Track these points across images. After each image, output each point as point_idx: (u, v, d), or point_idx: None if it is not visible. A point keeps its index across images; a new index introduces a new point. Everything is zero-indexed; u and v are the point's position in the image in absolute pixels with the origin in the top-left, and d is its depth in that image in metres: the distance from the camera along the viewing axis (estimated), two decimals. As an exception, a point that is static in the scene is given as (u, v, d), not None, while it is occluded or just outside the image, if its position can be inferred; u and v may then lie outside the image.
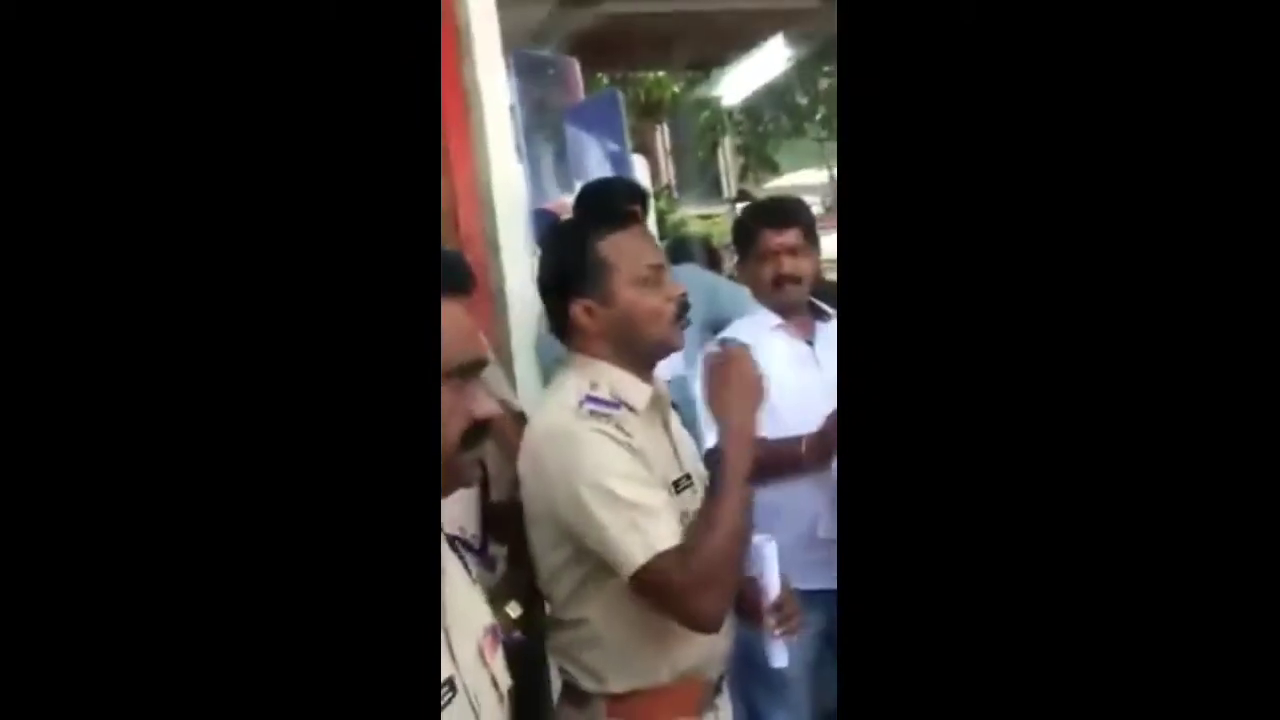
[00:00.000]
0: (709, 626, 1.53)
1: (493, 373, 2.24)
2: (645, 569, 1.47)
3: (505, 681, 1.19)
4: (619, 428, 1.55)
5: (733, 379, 1.57)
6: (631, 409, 1.61)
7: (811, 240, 2.47)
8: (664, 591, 1.49)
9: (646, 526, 1.47)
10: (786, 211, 2.51)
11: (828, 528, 2.25)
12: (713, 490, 1.54)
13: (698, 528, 1.49)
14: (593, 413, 1.55)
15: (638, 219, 1.76)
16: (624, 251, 1.62)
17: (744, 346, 1.69)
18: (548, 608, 1.67)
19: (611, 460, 1.51)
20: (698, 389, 2.34)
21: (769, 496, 2.32)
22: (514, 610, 1.67)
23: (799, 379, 2.37)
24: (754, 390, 1.60)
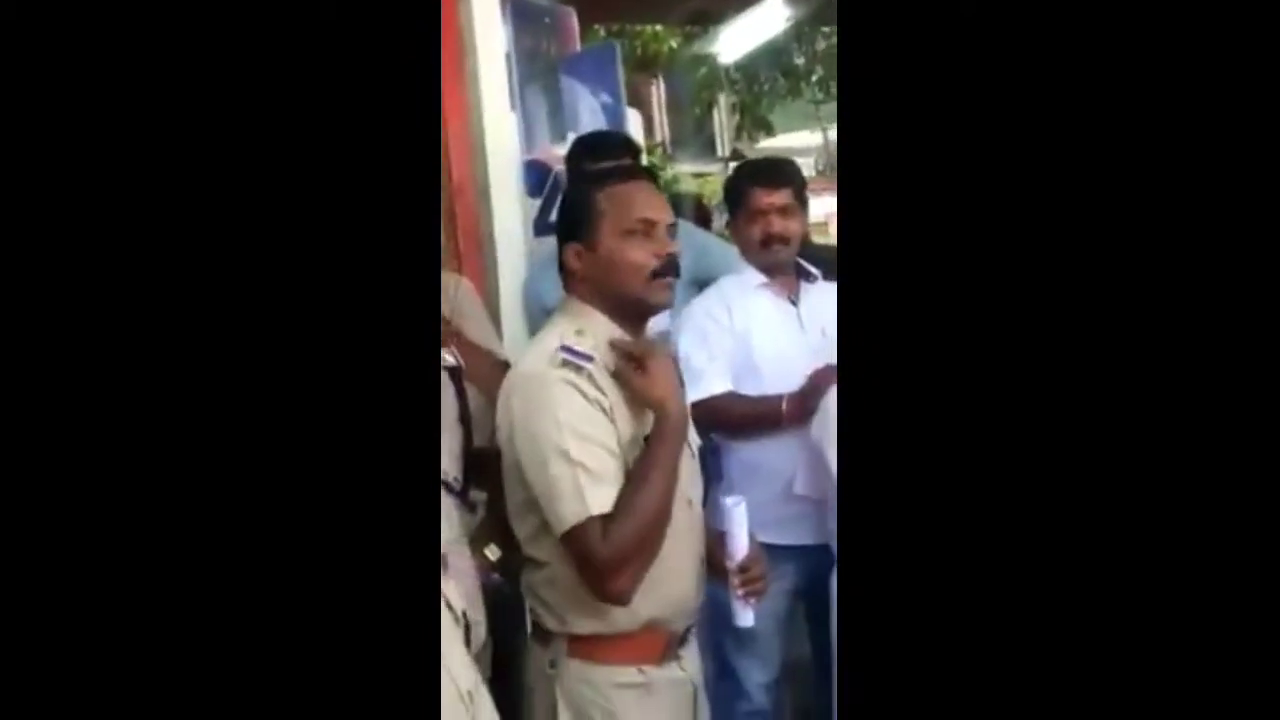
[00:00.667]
0: (615, 602, 1.57)
1: (479, 320, 2.26)
2: (573, 531, 1.52)
3: (459, 605, 1.22)
4: (591, 380, 1.57)
5: (654, 369, 1.59)
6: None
7: (801, 202, 2.48)
8: (583, 559, 1.53)
9: (586, 489, 1.51)
10: (778, 172, 2.52)
11: (804, 484, 2.28)
12: (639, 471, 1.56)
13: (620, 505, 1.52)
14: (565, 362, 1.57)
15: (646, 174, 1.77)
16: (618, 202, 1.64)
17: (660, 336, 1.70)
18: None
19: (572, 414, 1.54)
20: (680, 343, 2.37)
21: (748, 453, 2.37)
22: (492, 552, 1.70)
23: (782, 338, 2.39)
24: (677, 378, 1.63)
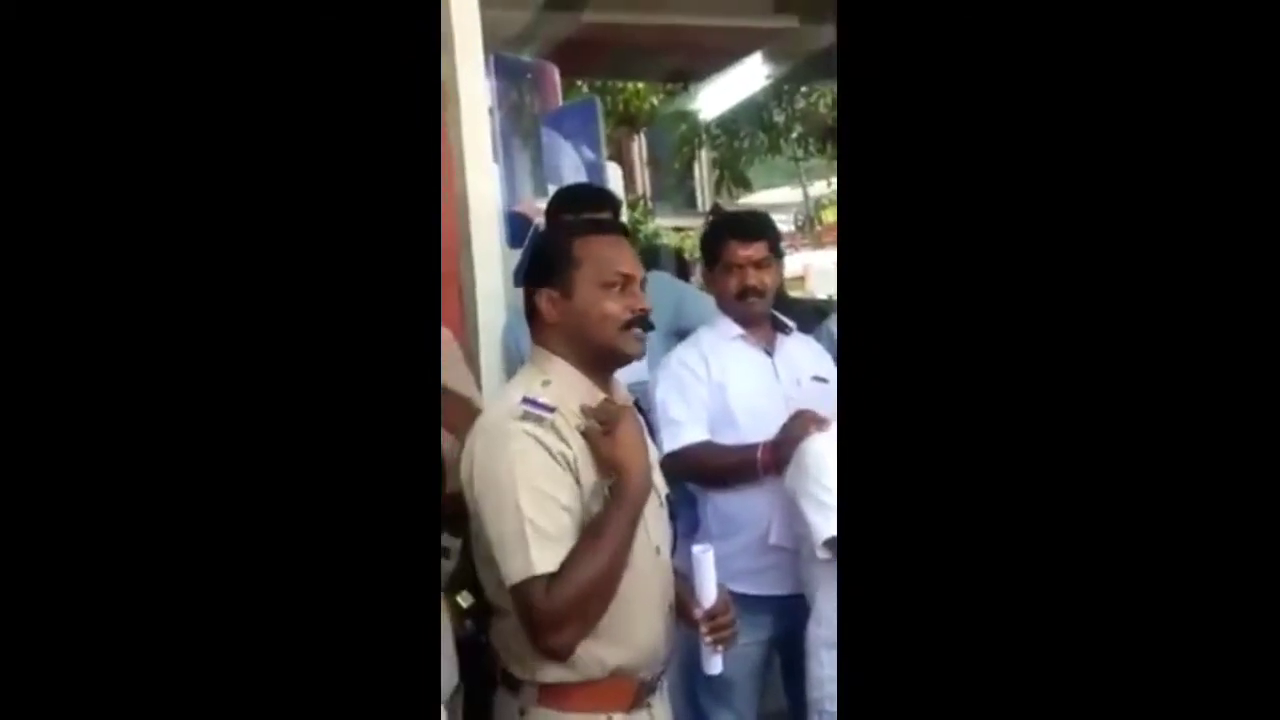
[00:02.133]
0: (553, 658, 1.58)
1: (458, 368, 2.28)
2: (517, 587, 1.53)
3: None
4: (554, 431, 1.58)
5: (621, 433, 1.60)
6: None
7: (776, 254, 2.52)
8: (525, 614, 1.55)
9: (533, 546, 1.52)
10: (754, 225, 2.55)
11: (779, 535, 2.29)
12: (593, 531, 1.56)
13: (567, 565, 1.53)
14: (526, 414, 1.58)
15: (623, 230, 1.81)
16: (596, 254, 1.67)
17: (628, 403, 1.72)
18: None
19: (528, 469, 1.55)
20: (658, 393, 2.39)
21: (724, 503, 2.38)
22: (465, 599, 1.70)
23: (758, 388, 2.42)
24: (644, 444, 1.64)
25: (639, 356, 1.74)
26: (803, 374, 2.41)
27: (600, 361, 1.69)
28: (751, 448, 2.31)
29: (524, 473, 1.55)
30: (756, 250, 2.44)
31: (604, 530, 1.56)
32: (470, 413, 1.99)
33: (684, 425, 2.36)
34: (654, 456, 1.83)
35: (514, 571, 1.53)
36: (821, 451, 2.02)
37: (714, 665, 1.77)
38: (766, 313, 2.50)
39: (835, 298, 3.32)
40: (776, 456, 2.25)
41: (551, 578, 1.52)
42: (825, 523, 1.95)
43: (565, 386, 1.65)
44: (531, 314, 1.72)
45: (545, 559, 1.52)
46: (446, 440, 1.86)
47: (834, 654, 1.90)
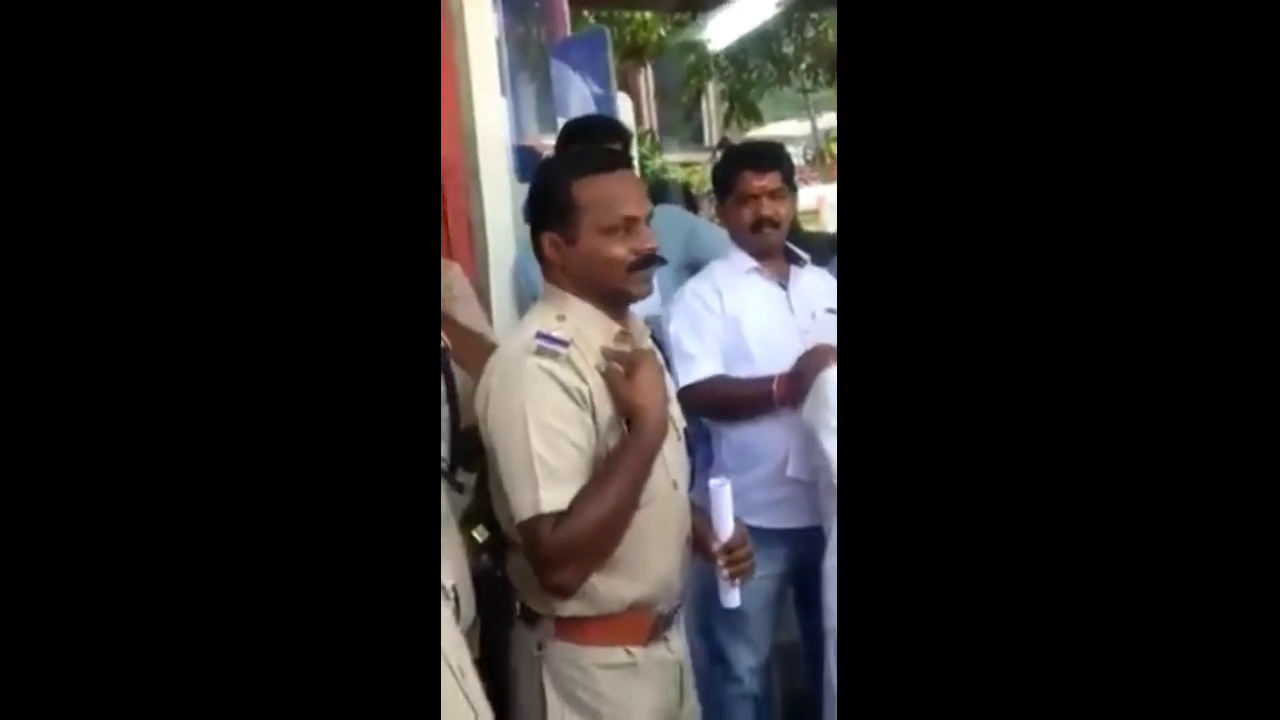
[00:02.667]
0: (556, 595, 1.59)
1: (469, 303, 2.26)
2: (524, 524, 1.54)
3: (448, 581, 1.23)
4: (570, 366, 1.57)
5: (640, 376, 1.59)
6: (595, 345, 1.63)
7: (790, 185, 2.48)
8: (531, 551, 1.55)
9: (542, 484, 1.52)
10: (767, 155, 2.51)
11: (796, 467, 2.28)
12: (605, 471, 1.56)
13: (577, 503, 1.53)
14: (540, 349, 1.57)
15: (623, 164, 1.76)
16: (598, 197, 1.63)
17: (644, 334, 1.70)
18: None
19: (540, 406, 1.54)
20: (671, 327, 2.37)
21: (739, 436, 2.37)
22: (480, 534, 1.70)
23: (772, 321, 2.39)
24: (662, 387, 1.63)
25: (647, 295, 1.72)
26: (817, 306, 2.39)
27: (610, 300, 1.68)
28: (766, 380, 2.29)
29: (536, 409, 1.54)
30: (771, 180, 2.41)
31: (616, 471, 1.56)
32: (482, 348, 1.98)
33: (698, 360, 2.35)
34: (670, 390, 1.82)
35: (522, 508, 1.53)
36: (839, 383, 2.01)
37: (731, 599, 1.77)
38: (781, 244, 2.46)
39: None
40: (792, 389, 2.23)
41: (560, 516, 1.52)
42: (844, 453, 1.94)
43: (580, 321, 1.64)
44: (539, 254, 1.69)
45: (553, 497, 1.52)
46: (460, 375, 1.85)
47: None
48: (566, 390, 1.56)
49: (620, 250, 1.62)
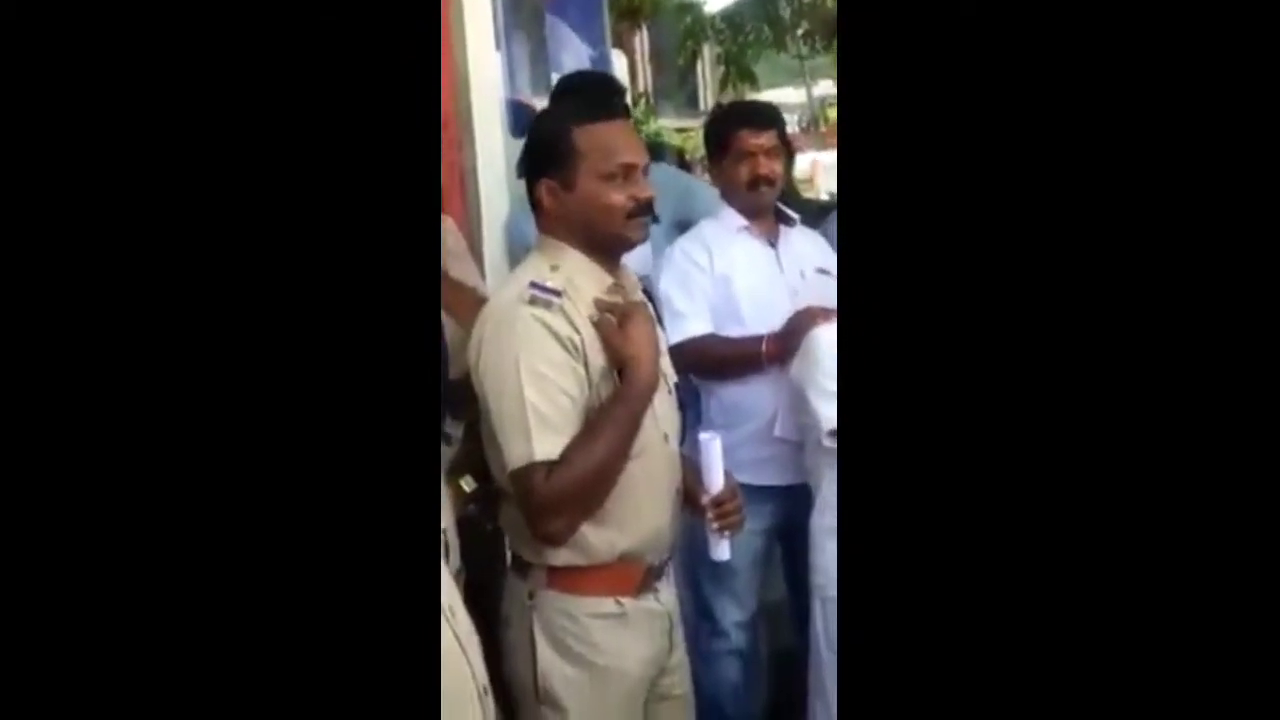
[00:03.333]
0: (547, 543, 1.61)
1: (462, 257, 2.26)
2: (516, 473, 1.55)
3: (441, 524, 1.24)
4: (563, 315, 1.57)
5: (633, 329, 1.59)
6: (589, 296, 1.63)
7: (785, 145, 2.48)
8: (523, 499, 1.57)
9: (535, 433, 1.52)
10: (764, 114, 2.51)
11: (784, 427, 2.29)
12: (597, 422, 1.57)
13: (568, 453, 1.54)
14: (534, 299, 1.57)
15: (623, 112, 1.76)
16: (597, 144, 1.63)
17: (642, 301, 1.71)
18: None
19: (533, 355, 1.55)
20: (661, 285, 2.37)
21: (727, 394, 2.38)
22: (467, 484, 1.71)
23: (761, 280, 2.40)
24: (654, 339, 1.64)
25: (644, 241, 1.73)
26: (806, 266, 2.39)
27: (605, 248, 1.68)
28: (756, 339, 2.30)
29: (528, 358, 1.55)
30: (768, 139, 2.40)
31: (607, 422, 1.57)
32: (474, 301, 1.98)
33: (687, 318, 2.35)
34: (663, 345, 1.83)
35: (514, 457, 1.54)
36: (830, 342, 2.01)
37: (721, 551, 1.79)
38: (773, 204, 2.46)
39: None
40: (781, 348, 2.24)
41: (551, 466, 1.53)
42: (832, 412, 1.96)
43: (573, 271, 1.64)
44: (534, 203, 1.69)
45: (545, 446, 1.53)
46: (449, 326, 1.85)
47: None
48: (559, 339, 1.56)
49: (619, 197, 1.63)
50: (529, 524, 1.59)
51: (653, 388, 1.62)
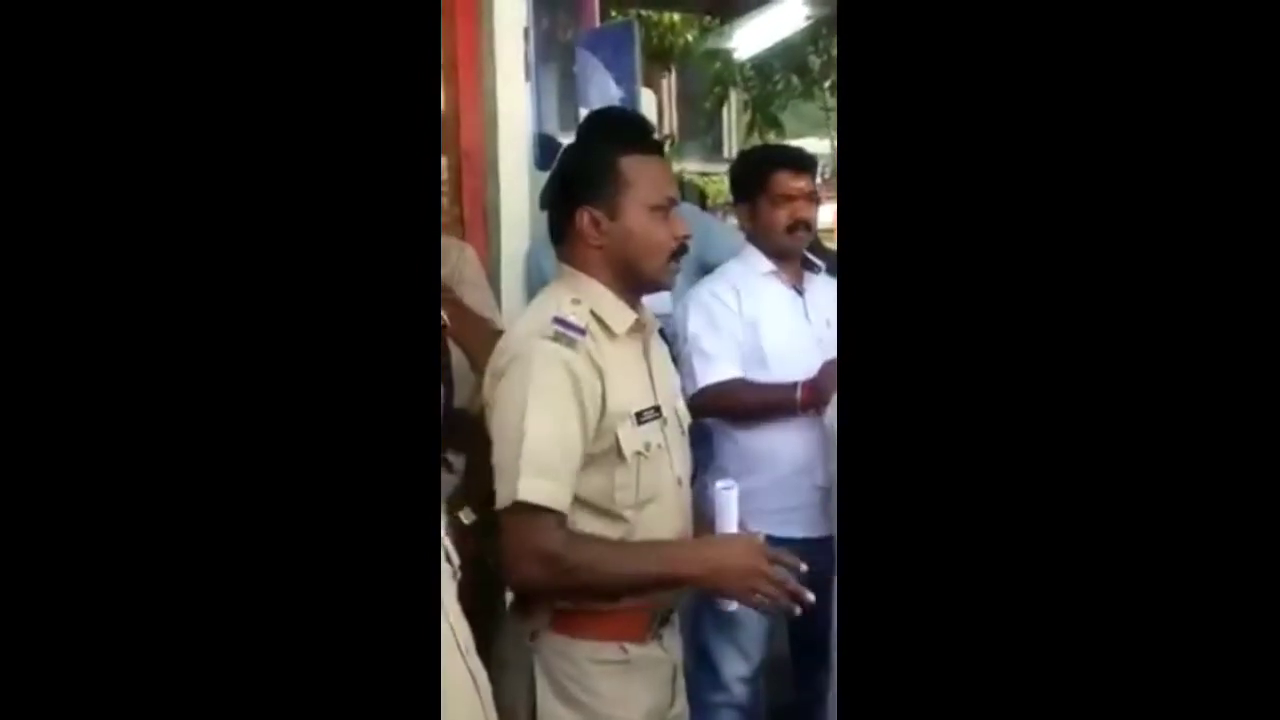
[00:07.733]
0: (516, 589, 1.61)
1: (479, 287, 2.24)
2: (505, 511, 1.50)
3: (456, 559, 1.21)
4: (588, 358, 1.53)
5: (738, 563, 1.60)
6: (609, 333, 1.59)
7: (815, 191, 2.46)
8: (505, 538, 1.52)
9: (523, 474, 1.48)
10: (803, 158, 2.48)
11: (826, 475, 2.24)
12: (639, 551, 1.58)
13: (595, 544, 1.54)
14: (557, 335, 1.53)
15: (660, 149, 1.73)
16: (645, 175, 1.60)
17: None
18: None
19: (542, 395, 1.50)
20: (688, 326, 2.34)
21: (750, 438, 2.33)
22: (467, 516, 1.66)
23: (789, 327, 2.36)
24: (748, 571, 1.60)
25: (671, 287, 1.71)
26: (832, 314, 2.35)
27: (636, 284, 1.65)
28: (789, 386, 2.26)
29: (538, 397, 1.50)
30: (806, 183, 2.39)
31: (648, 560, 1.57)
32: (486, 331, 1.96)
33: (717, 360, 2.32)
34: (675, 385, 1.79)
35: (502, 495, 1.51)
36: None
37: (729, 602, 1.73)
38: (803, 250, 2.44)
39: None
40: (816, 395, 2.20)
41: (571, 539, 1.51)
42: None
43: (594, 305, 1.60)
44: (564, 233, 1.65)
45: (531, 489, 1.48)
46: (455, 354, 1.82)
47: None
48: (576, 380, 1.52)
49: (664, 233, 1.60)
50: (505, 563, 1.54)
51: (693, 581, 1.63)
